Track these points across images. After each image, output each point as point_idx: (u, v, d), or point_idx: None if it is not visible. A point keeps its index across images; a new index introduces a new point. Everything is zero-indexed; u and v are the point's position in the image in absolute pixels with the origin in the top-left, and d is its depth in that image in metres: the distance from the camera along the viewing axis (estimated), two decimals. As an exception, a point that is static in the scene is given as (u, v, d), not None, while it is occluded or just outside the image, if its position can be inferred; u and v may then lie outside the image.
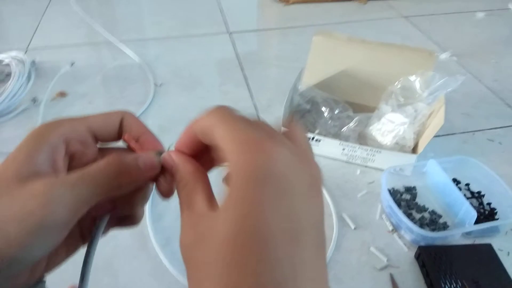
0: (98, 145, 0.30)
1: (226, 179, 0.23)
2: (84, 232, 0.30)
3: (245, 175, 0.22)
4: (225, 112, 0.25)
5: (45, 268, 0.28)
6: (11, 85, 1.04)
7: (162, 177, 0.29)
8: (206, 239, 0.22)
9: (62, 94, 1.10)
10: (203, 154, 0.28)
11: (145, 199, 0.31)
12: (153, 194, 0.80)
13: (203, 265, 0.21)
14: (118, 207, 0.30)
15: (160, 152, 0.29)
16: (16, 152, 0.26)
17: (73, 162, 0.28)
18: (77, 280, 0.30)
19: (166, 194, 0.29)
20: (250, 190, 0.21)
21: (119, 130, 0.30)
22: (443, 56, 1.27)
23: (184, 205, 0.26)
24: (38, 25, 1.47)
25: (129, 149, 0.31)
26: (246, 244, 0.20)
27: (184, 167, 0.27)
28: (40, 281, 0.44)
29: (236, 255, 0.20)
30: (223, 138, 0.24)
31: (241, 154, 0.22)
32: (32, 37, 1.39)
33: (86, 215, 0.29)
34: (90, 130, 0.29)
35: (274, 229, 0.20)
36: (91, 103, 1.08)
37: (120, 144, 0.31)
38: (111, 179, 0.26)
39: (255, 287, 0.19)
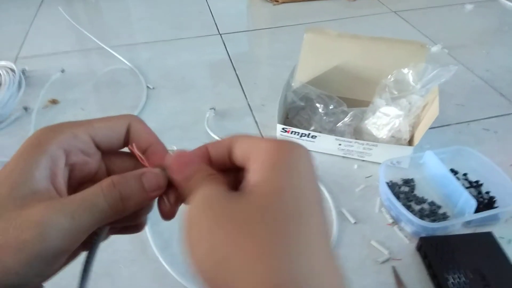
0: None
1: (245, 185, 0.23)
2: (85, 240, 0.29)
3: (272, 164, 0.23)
4: (255, 136, 0.26)
5: (46, 278, 0.27)
6: (2, 94, 1.03)
7: (166, 195, 0.27)
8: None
9: (54, 102, 1.09)
10: None
11: (148, 210, 0.30)
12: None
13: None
14: (120, 219, 0.28)
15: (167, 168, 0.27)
16: (12, 165, 0.24)
17: (74, 172, 0.27)
18: None
19: (168, 215, 0.27)
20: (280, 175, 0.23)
21: (125, 138, 0.28)
22: (435, 48, 1.27)
23: (212, 183, 0.24)
24: (26, 34, 1.45)
25: (135, 157, 0.29)
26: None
27: (207, 165, 0.27)
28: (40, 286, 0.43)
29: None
30: (257, 142, 0.25)
31: (266, 153, 0.23)
32: (21, 46, 1.38)
33: None
34: (93, 138, 0.27)
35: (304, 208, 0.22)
36: (83, 109, 1.07)
37: (125, 148, 0.29)
38: (115, 205, 0.24)
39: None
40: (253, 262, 0.19)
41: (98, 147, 0.27)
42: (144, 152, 0.28)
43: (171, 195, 0.27)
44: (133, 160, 0.28)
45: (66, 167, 0.26)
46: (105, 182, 0.24)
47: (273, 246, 0.19)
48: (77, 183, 0.27)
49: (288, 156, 0.23)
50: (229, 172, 0.27)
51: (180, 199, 0.27)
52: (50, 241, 0.22)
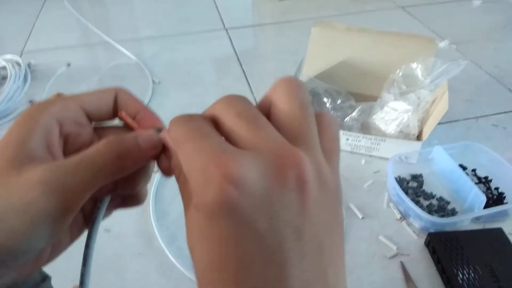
0: (93, 125, 0.29)
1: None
2: (86, 214, 0.29)
3: (206, 211, 0.19)
4: (183, 128, 0.21)
5: (50, 255, 0.26)
6: (8, 88, 1.03)
7: (164, 154, 0.26)
8: (194, 250, 0.20)
9: (60, 96, 1.08)
10: None
11: (147, 177, 0.29)
12: (156, 191, 0.79)
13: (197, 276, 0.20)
14: (119, 187, 0.28)
15: (159, 129, 0.27)
16: (8, 137, 0.24)
17: (68, 144, 0.27)
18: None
19: (168, 172, 0.27)
20: (214, 226, 0.19)
21: (114, 108, 0.28)
22: (442, 44, 1.26)
23: (183, 198, 0.23)
24: (32, 28, 1.45)
25: (127, 127, 0.29)
26: (225, 273, 0.19)
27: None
28: (47, 277, 0.43)
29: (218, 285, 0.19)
30: (182, 166, 0.21)
31: (199, 187, 0.19)
32: (27, 40, 1.38)
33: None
34: (83, 109, 0.27)
35: (249, 256, 0.18)
36: (89, 103, 1.07)
37: (116, 122, 0.30)
38: (112, 161, 0.24)
39: None
40: None
41: (89, 117, 0.28)
42: (133, 118, 0.28)
43: (168, 153, 0.26)
44: (126, 132, 0.29)
45: (60, 138, 0.26)
46: (102, 142, 0.25)
47: None
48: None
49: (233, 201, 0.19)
50: None
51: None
52: (54, 199, 0.22)
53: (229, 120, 0.21)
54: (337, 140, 0.23)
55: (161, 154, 0.27)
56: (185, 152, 0.20)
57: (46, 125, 0.24)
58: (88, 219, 0.29)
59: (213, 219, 0.19)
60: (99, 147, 0.24)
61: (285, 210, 0.19)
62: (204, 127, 0.21)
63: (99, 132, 0.29)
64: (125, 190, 0.29)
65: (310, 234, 0.19)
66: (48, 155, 0.24)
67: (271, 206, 0.18)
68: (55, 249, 0.27)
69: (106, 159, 0.24)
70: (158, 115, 0.29)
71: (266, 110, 0.23)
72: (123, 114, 0.28)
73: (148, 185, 0.33)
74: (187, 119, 0.22)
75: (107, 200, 0.28)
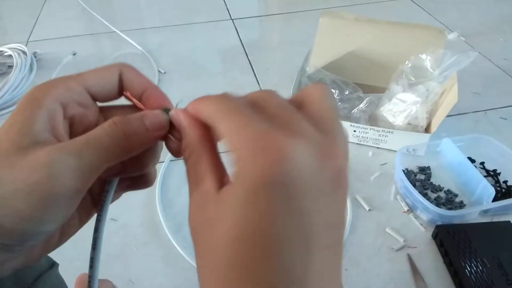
0: (99, 105, 0.28)
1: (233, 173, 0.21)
2: (95, 197, 0.28)
3: (253, 181, 0.19)
4: (226, 103, 0.22)
5: (59, 239, 0.26)
6: (13, 76, 1.03)
7: (172, 134, 0.26)
8: (214, 227, 0.20)
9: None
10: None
11: (155, 158, 0.29)
12: (162, 181, 0.79)
13: (210, 254, 0.20)
14: (127, 169, 0.28)
15: (167, 109, 0.26)
16: (11, 120, 0.23)
17: (74, 126, 0.26)
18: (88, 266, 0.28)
19: (177, 152, 0.26)
20: (258, 196, 0.19)
21: (119, 86, 0.27)
22: (451, 36, 1.24)
23: (190, 179, 0.23)
24: (38, 18, 1.44)
25: (133, 106, 0.28)
26: (255, 247, 0.18)
27: (190, 131, 0.24)
28: (54, 264, 0.43)
29: (244, 258, 0.18)
30: (226, 136, 0.21)
31: (247, 157, 0.19)
32: (33, 29, 1.37)
33: (96, 179, 0.27)
34: (87, 89, 0.26)
35: (284, 233, 0.18)
36: (95, 93, 1.07)
37: (122, 101, 0.29)
38: (119, 142, 0.24)
39: None
40: None
41: (93, 98, 0.27)
42: (140, 97, 0.27)
43: (176, 133, 0.26)
44: (133, 111, 0.28)
45: (65, 120, 0.25)
46: (107, 122, 0.24)
47: None
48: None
49: (284, 168, 0.19)
50: None
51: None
52: (60, 180, 0.21)
53: (273, 107, 0.22)
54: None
55: (168, 134, 0.26)
56: (232, 123, 0.21)
57: (49, 108, 0.24)
58: (96, 202, 0.28)
59: (256, 192, 0.19)
60: (105, 127, 0.24)
61: (323, 197, 0.19)
62: (247, 106, 0.21)
63: (105, 112, 0.28)
64: (133, 171, 0.28)
65: (335, 226, 0.20)
66: (53, 138, 0.24)
67: (315, 190, 0.19)
68: (64, 233, 0.26)
69: (113, 140, 0.23)
70: (164, 93, 0.28)
71: (296, 107, 0.23)
72: (128, 94, 0.27)
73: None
74: (226, 98, 0.22)
75: (115, 182, 0.28)
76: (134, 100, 0.27)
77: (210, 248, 0.20)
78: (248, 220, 0.19)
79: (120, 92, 0.28)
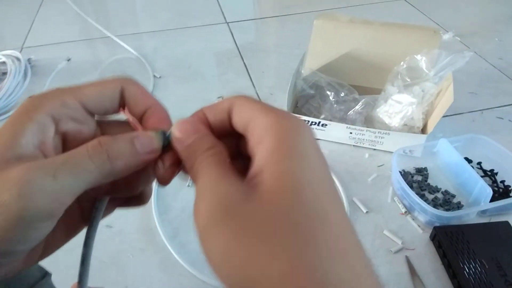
0: (96, 118, 0.27)
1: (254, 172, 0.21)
2: (85, 212, 0.27)
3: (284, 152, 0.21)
4: (250, 97, 0.24)
5: (43, 252, 0.25)
6: (8, 83, 1.02)
7: (162, 160, 0.25)
8: (247, 225, 0.19)
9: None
10: None
11: (148, 179, 0.27)
12: (158, 187, 0.78)
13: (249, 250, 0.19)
14: (117, 189, 0.27)
15: (163, 132, 0.25)
16: (0, 132, 0.22)
17: (67, 142, 0.25)
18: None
19: (162, 180, 0.25)
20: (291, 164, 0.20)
21: (120, 102, 0.26)
22: (446, 36, 1.24)
23: (218, 170, 0.22)
24: (32, 24, 1.44)
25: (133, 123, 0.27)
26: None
27: (212, 134, 0.24)
28: (47, 274, 0.42)
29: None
30: (252, 112, 0.23)
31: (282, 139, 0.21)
32: (27, 35, 1.37)
33: (85, 195, 0.26)
34: (83, 104, 0.25)
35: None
36: (90, 99, 1.06)
37: (122, 116, 0.27)
38: (102, 165, 0.22)
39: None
40: (282, 279, 0.18)
41: (90, 113, 0.26)
42: (141, 116, 0.26)
43: (166, 159, 0.25)
44: (132, 128, 0.27)
45: (57, 135, 0.24)
46: (92, 142, 0.23)
47: (301, 257, 0.18)
48: None
49: (296, 140, 0.21)
50: (231, 136, 0.25)
51: (177, 165, 0.25)
52: (31, 202, 0.20)
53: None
54: None
55: (158, 159, 0.25)
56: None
57: (40, 122, 0.23)
58: (86, 217, 0.27)
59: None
60: (89, 147, 0.23)
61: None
62: None
63: (103, 126, 0.27)
64: (123, 192, 0.27)
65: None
66: (39, 153, 0.23)
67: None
68: (48, 247, 0.25)
69: (95, 162, 0.22)
70: (168, 114, 0.27)
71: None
72: (126, 112, 0.26)
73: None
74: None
75: (106, 200, 0.27)
76: (131, 118, 0.26)
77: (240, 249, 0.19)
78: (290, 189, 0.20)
79: (122, 106, 0.26)
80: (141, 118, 0.27)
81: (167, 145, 0.25)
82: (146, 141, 0.24)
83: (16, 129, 0.22)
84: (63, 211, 0.22)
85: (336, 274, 0.18)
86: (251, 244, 0.18)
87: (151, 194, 0.30)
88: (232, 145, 0.26)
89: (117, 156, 0.23)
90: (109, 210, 0.28)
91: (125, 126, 0.27)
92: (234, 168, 0.23)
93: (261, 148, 0.21)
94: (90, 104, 0.25)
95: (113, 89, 0.26)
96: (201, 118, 0.25)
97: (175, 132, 0.24)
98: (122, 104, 0.26)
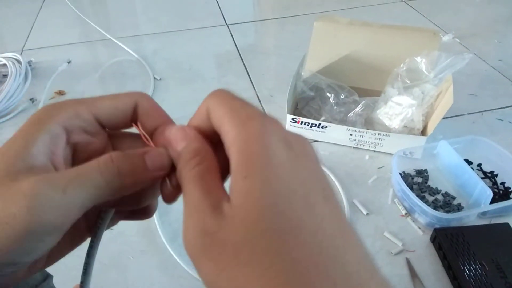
0: (108, 131, 0.27)
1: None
2: (90, 223, 0.27)
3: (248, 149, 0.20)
4: (223, 94, 0.23)
5: (47, 261, 0.25)
6: (8, 85, 1.02)
7: (170, 178, 0.25)
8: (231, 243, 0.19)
9: (61, 93, 1.08)
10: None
11: (154, 194, 0.27)
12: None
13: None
14: (123, 203, 0.26)
15: None
16: (11, 142, 0.22)
17: (77, 153, 0.25)
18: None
19: (168, 198, 0.25)
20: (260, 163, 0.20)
21: (132, 116, 0.26)
22: (446, 38, 1.24)
23: (198, 188, 0.22)
24: (32, 26, 1.44)
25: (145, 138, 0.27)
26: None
27: (201, 140, 0.24)
28: (48, 276, 0.42)
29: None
30: (221, 117, 0.22)
31: (241, 128, 0.21)
32: (27, 38, 1.37)
33: (92, 207, 0.27)
34: (96, 117, 0.25)
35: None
36: (90, 101, 1.06)
37: (134, 129, 0.27)
38: (112, 180, 0.22)
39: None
40: None
41: (103, 126, 0.26)
42: (153, 131, 0.26)
43: (174, 178, 0.24)
44: (144, 142, 0.27)
45: (68, 146, 0.24)
46: (103, 157, 0.23)
47: (277, 275, 0.18)
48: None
49: (260, 151, 0.20)
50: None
51: None
52: (39, 215, 0.20)
53: None
54: None
55: (166, 176, 0.25)
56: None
57: (51, 132, 0.23)
58: (91, 227, 0.27)
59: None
60: (100, 163, 0.23)
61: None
62: None
63: (114, 139, 0.27)
64: (129, 206, 0.27)
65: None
66: (49, 164, 0.23)
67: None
68: (53, 256, 0.25)
69: (105, 178, 0.22)
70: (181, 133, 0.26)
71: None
72: (137, 126, 0.26)
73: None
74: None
75: (111, 212, 0.27)
76: (142, 132, 0.26)
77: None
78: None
79: (134, 121, 0.26)
80: (152, 134, 0.26)
81: None
82: (157, 158, 0.24)
83: (28, 138, 0.22)
84: (71, 224, 0.22)
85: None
86: (228, 274, 0.19)
87: (156, 208, 0.29)
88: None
89: (128, 172, 0.23)
90: (113, 222, 0.28)
91: (136, 140, 0.27)
92: (219, 177, 0.22)
93: (230, 160, 0.21)
94: (103, 117, 0.25)
95: (127, 103, 0.26)
96: (194, 122, 0.25)
97: (170, 141, 0.24)
98: (134, 119, 0.26)
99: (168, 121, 0.26)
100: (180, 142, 0.24)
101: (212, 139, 0.24)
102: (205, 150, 0.23)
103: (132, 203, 0.27)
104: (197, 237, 0.20)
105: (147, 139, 0.26)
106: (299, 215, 0.19)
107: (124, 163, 0.23)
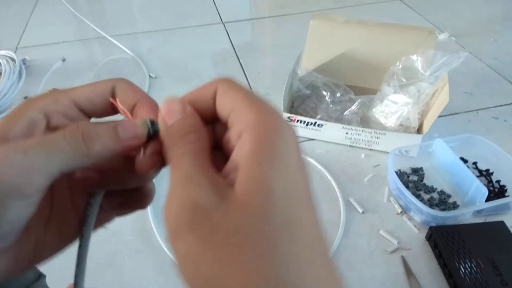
0: (93, 120, 0.27)
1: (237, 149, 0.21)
2: (81, 217, 0.27)
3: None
4: (236, 82, 0.24)
5: (34, 256, 0.25)
6: (2, 83, 1.01)
7: (145, 147, 0.24)
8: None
9: (54, 91, 1.07)
10: None
11: (139, 176, 0.26)
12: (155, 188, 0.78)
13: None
14: (107, 182, 0.26)
15: (151, 120, 0.25)
16: None
17: None
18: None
19: (142, 167, 0.24)
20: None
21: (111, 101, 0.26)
22: (442, 36, 1.24)
23: (195, 163, 0.21)
24: (27, 24, 1.43)
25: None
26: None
27: (198, 118, 0.24)
28: (41, 275, 0.42)
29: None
30: (237, 101, 0.22)
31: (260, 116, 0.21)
32: (22, 35, 1.36)
33: (80, 198, 0.26)
34: (75, 102, 0.25)
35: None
36: (85, 99, 1.05)
37: (120, 118, 0.27)
38: (78, 146, 0.22)
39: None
40: (244, 285, 0.18)
41: (83, 111, 0.26)
42: (132, 109, 0.26)
43: (149, 147, 0.24)
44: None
45: (49, 130, 0.25)
46: (69, 125, 0.23)
47: (263, 268, 0.18)
48: None
49: (278, 142, 0.21)
50: (214, 123, 0.25)
51: (160, 155, 0.25)
52: (1, 177, 0.20)
53: None
54: None
55: (141, 147, 0.25)
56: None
57: (31, 118, 0.24)
58: (80, 221, 0.27)
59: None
60: (65, 129, 0.23)
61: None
62: None
63: None
64: (114, 185, 0.27)
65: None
66: None
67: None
68: (40, 251, 0.25)
69: (68, 142, 0.22)
70: (157, 105, 0.26)
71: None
72: (115, 101, 0.26)
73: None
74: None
75: (99, 195, 0.27)
76: (119, 106, 0.26)
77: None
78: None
79: (114, 109, 0.27)
80: (131, 112, 0.27)
81: (155, 135, 0.25)
82: (130, 128, 0.24)
83: (8, 124, 0.23)
84: (39, 192, 0.22)
85: (300, 284, 0.18)
86: (214, 254, 0.18)
87: (151, 197, 0.29)
88: (213, 132, 0.25)
89: (93, 138, 0.23)
90: (108, 218, 0.28)
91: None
92: (211, 160, 0.22)
93: (240, 144, 0.21)
94: (82, 101, 0.26)
95: (104, 87, 0.26)
96: (192, 100, 0.25)
97: (162, 109, 0.24)
98: (113, 97, 0.27)
99: (145, 96, 0.27)
100: (175, 114, 0.24)
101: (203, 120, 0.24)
102: (203, 130, 0.24)
103: (117, 182, 0.27)
104: (185, 210, 0.20)
105: (125, 112, 0.26)
106: (299, 215, 0.20)
107: (90, 130, 0.23)
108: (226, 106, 0.23)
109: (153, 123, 0.25)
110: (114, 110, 0.27)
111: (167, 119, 0.24)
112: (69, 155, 0.22)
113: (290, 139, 0.21)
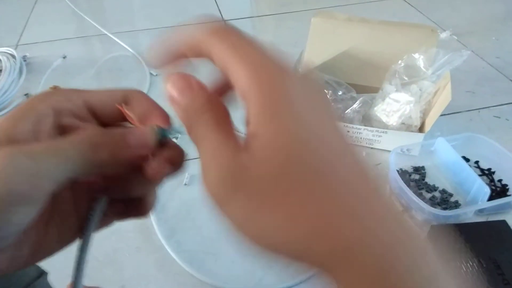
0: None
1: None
2: (82, 219, 0.26)
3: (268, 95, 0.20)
4: (227, 33, 0.22)
5: (32, 255, 0.24)
6: (2, 80, 1.01)
7: (154, 155, 0.24)
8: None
9: (56, 88, 1.07)
10: None
11: (145, 183, 0.27)
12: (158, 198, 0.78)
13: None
14: (112, 189, 0.26)
15: (161, 129, 0.24)
16: (2, 120, 0.23)
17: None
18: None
19: (152, 175, 0.24)
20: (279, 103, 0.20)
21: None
22: (444, 35, 1.24)
23: (219, 131, 0.21)
24: (27, 21, 1.43)
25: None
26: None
27: (207, 89, 0.23)
28: (43, 273, 0.41)
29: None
30: (231, 63, 0.21)
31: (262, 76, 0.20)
32: (22, 32, 1.36)
33: (82, 201, 0.26)
34: (87, 103, 0.25)
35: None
36: (86, 96, 1.05)
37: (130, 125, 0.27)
38: (87, 154, 0.22)
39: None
40: (305, 243, 0.18)
41: (94, 115, 0.26)
42: (143, 119, 0.26)
43: (159, 154, 0.24)
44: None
45: (56, 128, 0.24)
46: (79, 131, 0.24)
47: (322, 215, 0.18)
48: None
49: (284, 90, 0.20)
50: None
51: (170, 162, 0.25)
52: (8, 182, 0.20)
53: None
54: None
55: (150, 156, 0.24)
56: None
57: (40, 112, 0.23)
58: (83, 224, 0.26)
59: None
60: (76, 135, 0.23)
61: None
62: None
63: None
64: (118, 193, 0.27)
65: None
66: (33, 140, 0.23)
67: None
68: (38, 250, 0.25)
69: (78, 149, 0.22)
70: (170, 116, 0.26)
71: None
72: (123, 108, 0.26)
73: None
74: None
75: (103, 201, 0.26)
76: (126, 112, 0.26)
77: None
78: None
79: (124, 117, 0.26)
80: (141, 121, 0.26)
81: (166, 142, 0.25)
82: (140, 136, 0.24)
83: (16, 117, 0.23)
84: (44, 198, 0.21)
85: (355, 229, 0.18)
86: (264, 210, 0.19)
87: (152, 206, 0.29)
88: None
89: (102, 146, 0.23)
90: (108, 219, 0.28)
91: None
92: (232, 123, 0.22)
93: (248, 105, 0.21)
94: (94, 103, 0.26)
95: (119, 94, 0.26)
96: (173, 55, 0.25)
97: (171, 91, 0.24)
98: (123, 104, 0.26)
99: (158, 108, 0.26)
100: (185, 94, 0.23)
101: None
102: (216, 98, 0.23)
103: (122, 190, 0.26)
104: (224, 178, 0.20)
105: (132, 119, 0.26)
106: (329, 162, 0.19)
107: (100, 137, 0.23)
108: (220, 64, 0.22)
109: (162, 130, 0.25)
110: (123, 118, 0.27)
111: (179, 101, 0.23)
112: (77, 162, 0.22)
113: (296, 82, 0.21)
